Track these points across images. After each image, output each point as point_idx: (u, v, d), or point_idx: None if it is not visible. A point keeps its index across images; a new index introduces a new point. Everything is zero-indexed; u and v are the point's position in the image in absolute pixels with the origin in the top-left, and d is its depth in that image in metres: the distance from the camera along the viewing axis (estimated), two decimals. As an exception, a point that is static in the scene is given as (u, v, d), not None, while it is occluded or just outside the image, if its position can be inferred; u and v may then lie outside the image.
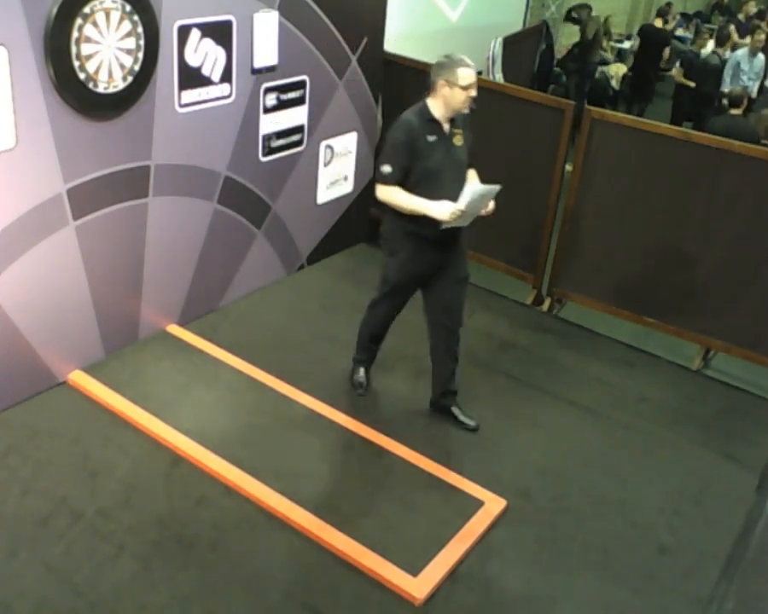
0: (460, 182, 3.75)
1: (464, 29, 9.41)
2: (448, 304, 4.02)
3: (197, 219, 4.66)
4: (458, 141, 3.80)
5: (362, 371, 4.39)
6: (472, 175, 3.95)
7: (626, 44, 12.94)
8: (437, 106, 3.75)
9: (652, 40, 11.07)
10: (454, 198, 3.66)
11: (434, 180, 3.74)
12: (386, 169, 3.74)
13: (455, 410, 4.21)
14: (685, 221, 5.03)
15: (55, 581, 3.13)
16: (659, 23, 11.71)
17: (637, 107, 10.93)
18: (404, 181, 3.75)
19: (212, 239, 4.78)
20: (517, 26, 10.42)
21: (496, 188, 3.72)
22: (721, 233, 4.94)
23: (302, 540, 3.43)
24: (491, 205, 3.84)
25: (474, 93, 3.67)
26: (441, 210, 3.66)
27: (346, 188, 5.80)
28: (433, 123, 3.75)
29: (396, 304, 4.15)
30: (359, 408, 4.23)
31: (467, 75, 3.63)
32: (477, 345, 5.00)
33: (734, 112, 7.25)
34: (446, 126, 3.77)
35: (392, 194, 3.77)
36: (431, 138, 3.71)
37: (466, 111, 3.74)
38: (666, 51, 11.11)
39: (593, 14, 11.00)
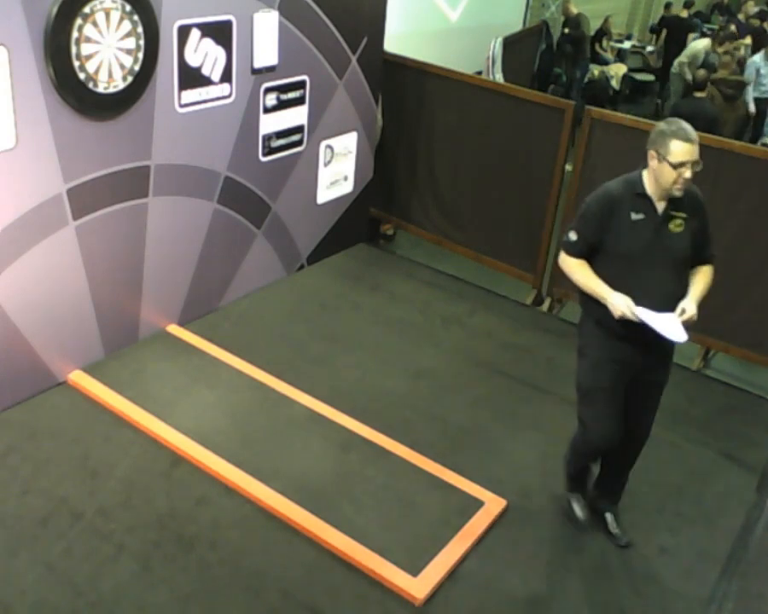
0: (670, 277, 3.16)
1: (464, 29, 9.42)
2: (636, 410, 3.41)
3: (197, 219, 4.66)
4: (676, 227, 3.15)
5: (577, 505, 3.65)
6: (701, 275, 3.26)
7: (626, 44, 12.96)
8: (650, 180, 3.16)
9: (676, 29, 11.69)
10: (656, 294, 3.11)
11: (631, 267, 3.15)
12: (572, 236, 3.25)
13: (608, 517, 3.62)
14: (685, 221, 5.03)
15: (55, 581, 3.13)
16: (683, 13, 12.71)
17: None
18: (591, 256, 3.25)
19: (212, 239, 4.78)
20: (517, 26, 10.43)
21: (678, 322, 3.12)
22: (721, 233, 4.92)
23: (302, 540, 3.43)
24: (687, 314, 3.13)
25: (688, 174, 3.05)
26: (617, 302, 3.11)
27: (346, 188, 5.80)
28: (642, 198, 3.14)
29: (597, 415, 3.39)
30: (359, 408, 4.23)
31: (681, 151, 3.03)
32: (477, 345, 5.00)
33: (698, 95, 7.54)
34: (660, 205, 3.13)
35: (572, 267, 3.29)
36: (635, 216, 3.13)
37: (678, 194, 3.10)
38: (690, 37, 11.30)
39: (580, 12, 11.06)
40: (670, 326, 3.11)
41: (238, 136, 4.71)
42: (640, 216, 3.14)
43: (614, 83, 11.10)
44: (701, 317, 5.08)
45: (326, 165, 5.51)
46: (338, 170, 5.65)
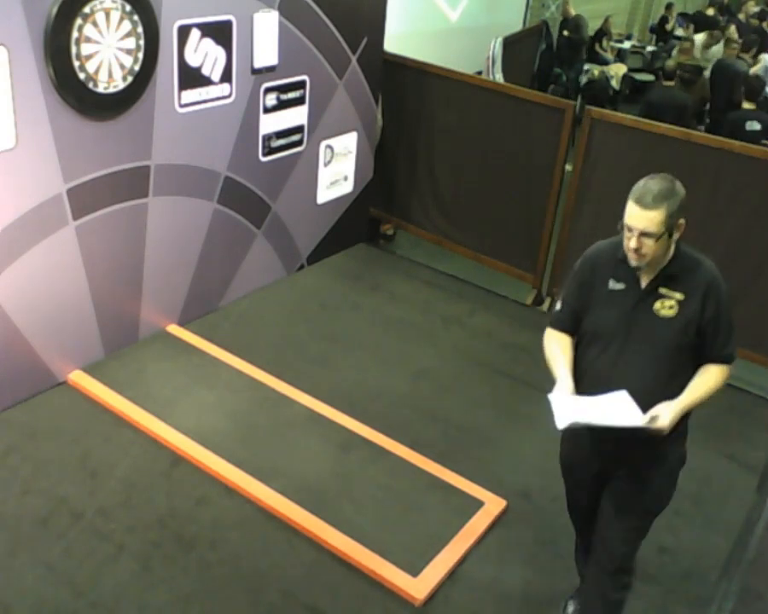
0: (648, 370, 2.57)
1: (464, 29, 9.42)
2: (603, 529, 2.81)
3: (197, 219, 4.66)
4: (665, 309, 2.56)
5: (570, 607, 3.19)
6: (706, 377, 2.60)
7: (626, 44, 12.96)
8: None
9: (704, 23, 12.30)
10: (626, 389, 2.55)
11: (602, 348, 2.64)
12: (558, 305, 2.80)
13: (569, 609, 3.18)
14: (685, 221, 5.02)
15: (55, 581, 3.13)
16: (711, 11, 13.59)
17: None
18: (575, 329, 2.74)
19: (212, 239, 4.78)
20: (517, 26, 10.43)
21: (636, 422, 2.51)
22: (721, 233, 4.94)
23: (302, 540, 3.43)
24: (656, 425, 2.51)
25: (632, 243, 2.49)
26: (559, 386, 2.64)
27: (346, 188, 5.80)
28: (624, 264, 2.60)
29: (571, 511, 3.05)
30: (359, 408, 4.23)
31: (629, 213, 2.51)
32: (477, 345, 5.00)
33: (667, 83, 8.12)
34: (646, 278, 2.59)
35: (546, 342, 2.78)
36: (614, 285, 2.62)
37: (634, 264, 2.55)
38: (732, 28, 11.62)
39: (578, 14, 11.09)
40: (620, 409, 2.51)
41: (238, 136, 4.71)
42: (620, 286, 2.62)
43: (614, 83, 11.09)
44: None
45: (326, 165, 5.51)
46: (338, 170, 5.65)
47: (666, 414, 2.51)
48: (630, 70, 11.64)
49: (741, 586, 3.25)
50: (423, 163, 6.08)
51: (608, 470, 2.75)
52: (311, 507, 3.55)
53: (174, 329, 4.72)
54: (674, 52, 11.28)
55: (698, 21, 13.38)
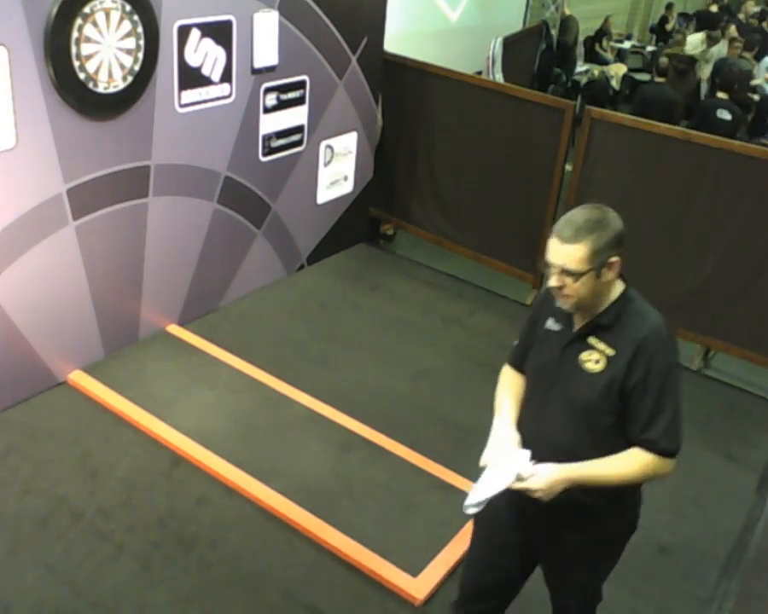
0: (564, 426, 2.27)
1: (464, 29, 9.42)
2: (555, 606, 2.67)
3: (197, 219, 4.66)
4: (591, 362, 2.23)
5: None
6: (625, 460, 2.20)
7: (626, 44, 12.97)
8: None
9: (707, 21, 12.54)
10: (541, 442, 2.30)
11: (530, 390, 2.46)
12: (515, 341, 2.59)
13: None
14: (685, 221, 5.03)
15: (55, 581, 3.13)
16: (714, 8, 13.89)
17: None
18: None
19: (212, 239, 4.78)
20: (517, 26, 10.43)
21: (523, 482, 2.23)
22: (721, 233, 4.94)
23: (302, 540, 3.43)
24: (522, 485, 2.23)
25: (552, 281, 2.19)
26: (492, 435, 2.45)
27: (346, 188, 5.80)
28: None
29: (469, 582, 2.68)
30: (359, 408, 4.23)
31: (550, 247, 2.19)
32: (477, 345, 5.00)
33: (659, 80, 8.38)
34: (580, 320, 2.28)
35: (500, 376, 2.66)
36: (551, 325, 2.35)
37: (562, 306, 2.25)
38: (732, 28, 11.79)
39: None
40: (505, 472, 2.24)
41: (238, 136, 4.71)
42: (557, 326, 2.33)
43: (614, 84, 11.10)
44: (702, 317, 5.16)
45: (326, 165, 5.51)
46: (338, 170, 5.65)
47: (541, 476, 2.18)
48: (630, 70, 11.65)
49: (741, 586, 3.25)
50: (423, 163, 6.08)
51: (533, 541, 2.45)
52: (311, 507, 3.55)
53: (174, 329, 4.72)
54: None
55: (701, 18, 13.43)
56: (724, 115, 7.59)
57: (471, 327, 5.22)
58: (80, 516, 3.41)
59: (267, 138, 4.93)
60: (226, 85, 4.52)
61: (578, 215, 2.19)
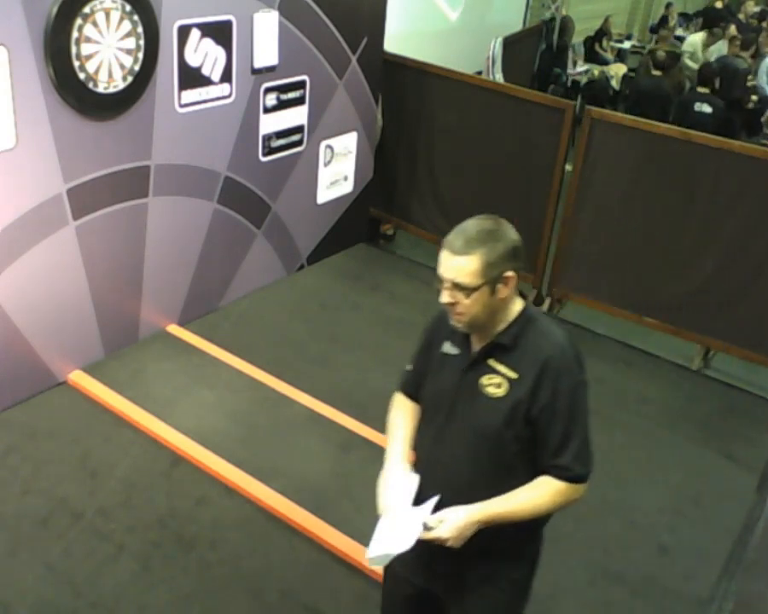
0: (465, 458, 2.09)
1: (464, 29, 9.41)
2: None
3: (197, 219, 4.66)
4: (492, 386, 2.05)
5: None
6: (536, 489, 2.05)
7: (626, 44, 12.97)
8: None
9: (713, 18, 12.65)
10: (439, 477, 2.11)
11: (426, 419, 2.23)
12: (408, 366, 2.33)
13: None
14: (685, 221, 5.03)
15: (55, 581, 3.13)
16: (719, 3, 13.94)
17: None
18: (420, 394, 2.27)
19: (212, 239, 4.78)
20: (517, 26, 10.42)
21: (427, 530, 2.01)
22: (721, 233, 4.94)
23: (302, 540, 3.43)
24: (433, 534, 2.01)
25: (444, 298, 2.01)
26: (383, 476, 2.19)
27: (346, 187, 5.80)
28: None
29: None
30: (359, 408, 4.23)
31: (441, 260, 2.02)
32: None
33: (656, 73, 8.44)
34: (479, 343, 2.10)
35: (391, 409, 2.37)
36: (449, 349, 2.15)
37: (455, 326, 2.07)
38: (732, 28, 11.79)
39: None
40: (406, 527, 2.02)
41: (238, 136, 4.71)
42: (454, 350, 2.14)
43: (614, 84, 11.10)
44: (702, 317, 5.16)
45: (326, 165, 5.51)
46: (338, 170, 5.65)
47: (450, 522, 1.99)
48: (630, 70, 11.65)
49: (741, 586, 3.25)
50: (423, 163, 6.08)
51: (437, 590, 2.24)
52: (311, 507, 3.55)
53: (174, 329, 4.72)
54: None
55: (707, 15, 13.46)
56: (704, 108, 7.78)
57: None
58: (80, 516, 3.41)
59: (267, 138, 4.93)
60: (226, 85, 4.52)
61: (470, 225, 2.02)
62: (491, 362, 2.07)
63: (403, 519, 2.04)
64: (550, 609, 3.27)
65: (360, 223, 6.05)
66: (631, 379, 4.86)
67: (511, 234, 2.03)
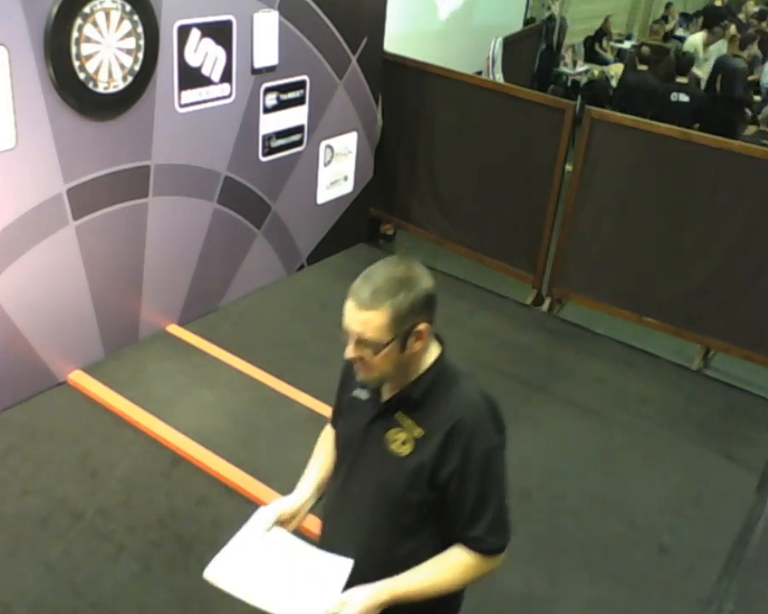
0: (369, 520, 1.92)
1: (464, 29, 9.41)
2: None
3: (197, 219, 4.66)
4: (397, 444, 1.86)
5: None
6: (445, 563, 1.87)
7: (626, 44, 12.96)
8: None
9: (714, 16, 12.82)
10: (343, 534, 1.98)
11: (338, 464, 2.05)
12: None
13: None
14: (685, 221, 5.04)
15: (55, 581, 3.13)
16: (718, 2, 14.18)
17: None
18: None
19: (212, 239, 4.78)
20: (517, 26, 10.42)
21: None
22: (721, 233, 4.94)
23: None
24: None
25: (348, 352, 1.85)
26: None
27: (346, 187, 5.80)
28: None
29: None
30: (359, 408, 4.22)
31: (345, 310, 1.84)
32: (477, 345, 5.00)
33: (641, 68, 8.73)
34: (387, 392, 1.91)
35: (319, 439, 2.22)
36: (359, 393, 1.99)
37: (361, 377, 1.90)
38: (732, 28, 11.94)
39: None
40: (313, 607, 1.78)
41: (238, 136, 4.71)
42: (363, 394, 1.97)
43: (614, 84, 11.09)
44: (702, 317, 5.16)
45: (326, 165, 5.51)
46: (338, 170, 5.65)
47: (355, 604, 1.79)
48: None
49: (741, 586, 3.25)
50: (423, 163, 6.08)
51: None
52: (311, 507, 3.54)
53: (174, 329, 4.72)
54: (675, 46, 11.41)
55: (707, 14, 13.48)
56: (681, 98, 8.01)
57: (471, 327, 5.22)
58: (80, 516, 3.41)
59: (267, 138, 4.93)
60: (226, 85, 4.52)
61: (378, 273, 1.80)
62: (399, 416, 1.87)
63: (306, 598, 1.80)
64: (550, 609, 3.27)
65: (360, 223, 6.05)
66: (631, 379, 4.86)
67: (424, 281, 1.82)
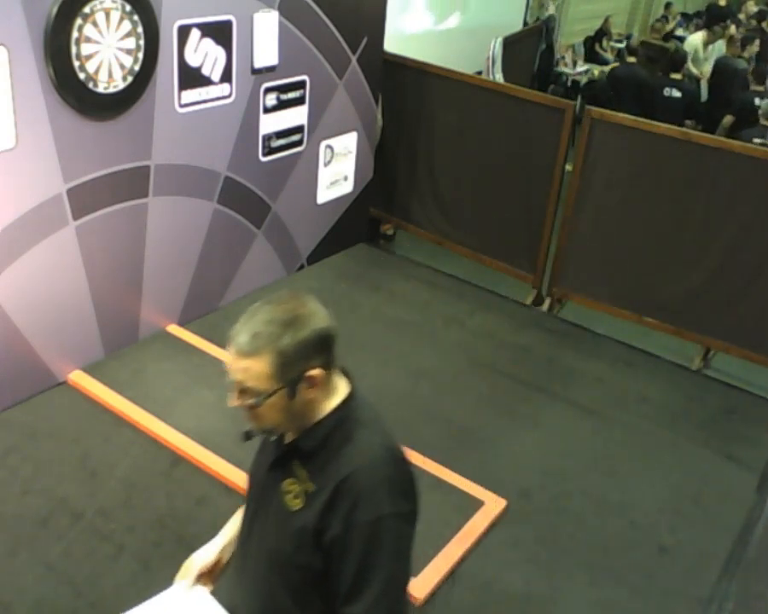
0: (262, 581, 1.77)
1: (464, 29, 9.42)
2: None
3: (197, 219, 4.66)
4: (290, 497, 1.69)
5: None
6: None
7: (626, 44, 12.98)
8: None
9: (717, 15, 13.00)
10: (239, 596, 1.86)
11: (244, 511, 1.95)
12: None
13: None
14: (685, 221, 5.04)
15: (55, 580, 3.13)
16: (723, 1, 14.20)
17: None
18: None
19: (212, 239, 4.78)
20: (517, 26, 10.42)
21: None
22: (721, 233, 4.94)
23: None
24: None
25: (234, 401, 1.76)
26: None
27: (346, 187, 5.80)
28: None
29: None
30: (359, 408, 4.22)
31: (227, 360, 1.70)
32: (477, 345, 5.00)
33: (630, 59, 8.88)
34: (289, 439, 1.77)
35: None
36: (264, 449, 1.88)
37: (258, 431, 1.81)
38: (732, 28, 12.13)
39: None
40: None
41: (238, 136, 4.71)
42: (268, 446, 1.84)
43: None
44: (702, 317, 5.16)
45: (326, 165, 5.51)
46: (338, 170, 5.65)
47: None
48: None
49: (741, 586, 3.25)
50: (423, 163, 6.08)
51: None
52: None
53: (174, 329, 4.72)
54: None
55: (710, 12, 13.49)
56: (674, 93, 8.07)
57: (471, 327, 5.22)
58: (80, 516, 3.41)
59: (267, 138, 4.93)
60: (226, 85, 4.52)
61: (261, 314, 1.62)
62: (296, 465, 1.68)
63: None
64: (550, 609, 3.27)
65: (360, 223, 6.05)
66: (631, 379, 4.86)
67: (315, 320, 1.62)
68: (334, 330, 1.64)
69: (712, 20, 13.09)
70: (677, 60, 8.46)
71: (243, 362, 1.60)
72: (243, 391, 1.63)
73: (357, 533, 1.56)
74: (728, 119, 8.15)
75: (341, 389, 1.72)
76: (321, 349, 1.62)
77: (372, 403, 1.78)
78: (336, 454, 1.63)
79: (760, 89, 8.07)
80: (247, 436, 1.78)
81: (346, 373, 1.77)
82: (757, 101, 7.91)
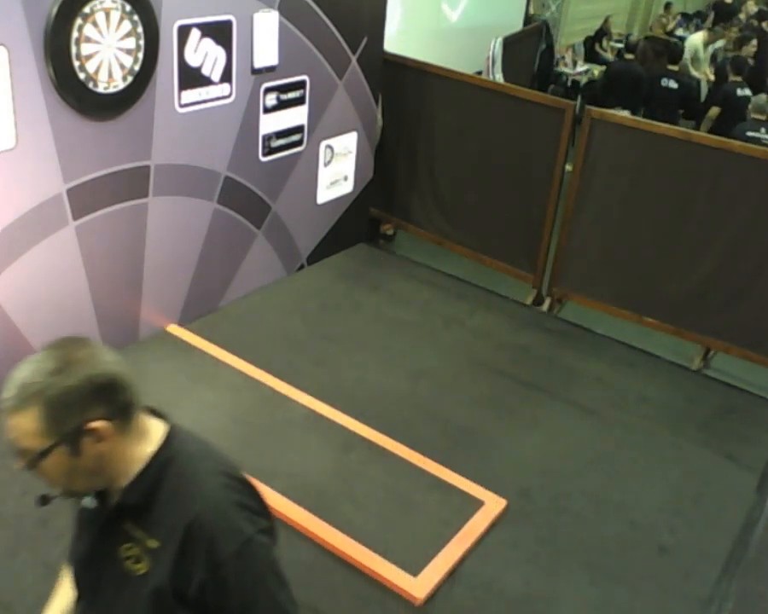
0: None
1: (464, 29, 9.41)
2: None
3: (197, 219, 4.66)
4: (132, 562, 1.53)
5: None
6: None
7: (626, 44, 12.99)
8: None
9: (724, 13, 13.18)
10: None
11: (77, 599, 1.76)
12: None
13: None
14: (685, 221, 5.04)
15: (55, 581, 3.12)
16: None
17: None
18: None
19: (212, 239, 4.78)
20: (517, 26, 10.42)
21: None
22: (721, 233, 4.94)
23: (302, 540, 3.42)
24: None
25: (18, 463, 1.50)
26: None
27: (346, 187, 5.80)
28: None
29: None
30: (359, 408, 4.23)
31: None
32: (477, 345, 5.00)
33: (628, 56, 9.07)
34: (113, 501, 1.59)
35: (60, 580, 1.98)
36: (87, 503, 1.68)
37: (55, 493, 1.65)
38: (734, 28, 12.32)
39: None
40: None
41: (238, 136, 4.71)
42: (92, 502, 1.65)
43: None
44: (702, 317, 5.16)
45: (326, 165, 5.51)
46: (338, 170, 5.65)
47: None
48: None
49: (741, 586, 3.25)
50: (423, 163, 6.08)
51: None
52: (311, 507, 3.55)
53: (174, 329, 4.72)
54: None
55: (718, 10, 13.51)
56: (671, 84, 8.23)
57: (471, 327, 5.22)
58: (80, 516, 3.41)
59: (267, 138, 4.93)
60: (226, 85, 4.52)
61: (30, 363, 1.45)
62: (128, 527, 1.51)
63: None
64: (550, 609, 3.27)
65: (360, 223, 6.05)
66: (630, 379, 4.86)
67: (93, 366, 1.43)
68: (120, 375, 1.45)
69: (719, 18, 13.12)
70: (675, 52, 8.71)
71: (12, 421, 1.42)
72: (20, 452, 1.44)
73: (227, 569, 1.44)
74: (714, 111, 8.23)
75: (154, 431, 1.55)
76: (100, 397, 1.42)
77: (195, 433, 1.62)
78: (173, 499, 1.48)
79: (738, 79, 8.21)
80: (43, 500, 1.58)
81: (157, 413, 1.60)
82: (738, 91, 8.01)
